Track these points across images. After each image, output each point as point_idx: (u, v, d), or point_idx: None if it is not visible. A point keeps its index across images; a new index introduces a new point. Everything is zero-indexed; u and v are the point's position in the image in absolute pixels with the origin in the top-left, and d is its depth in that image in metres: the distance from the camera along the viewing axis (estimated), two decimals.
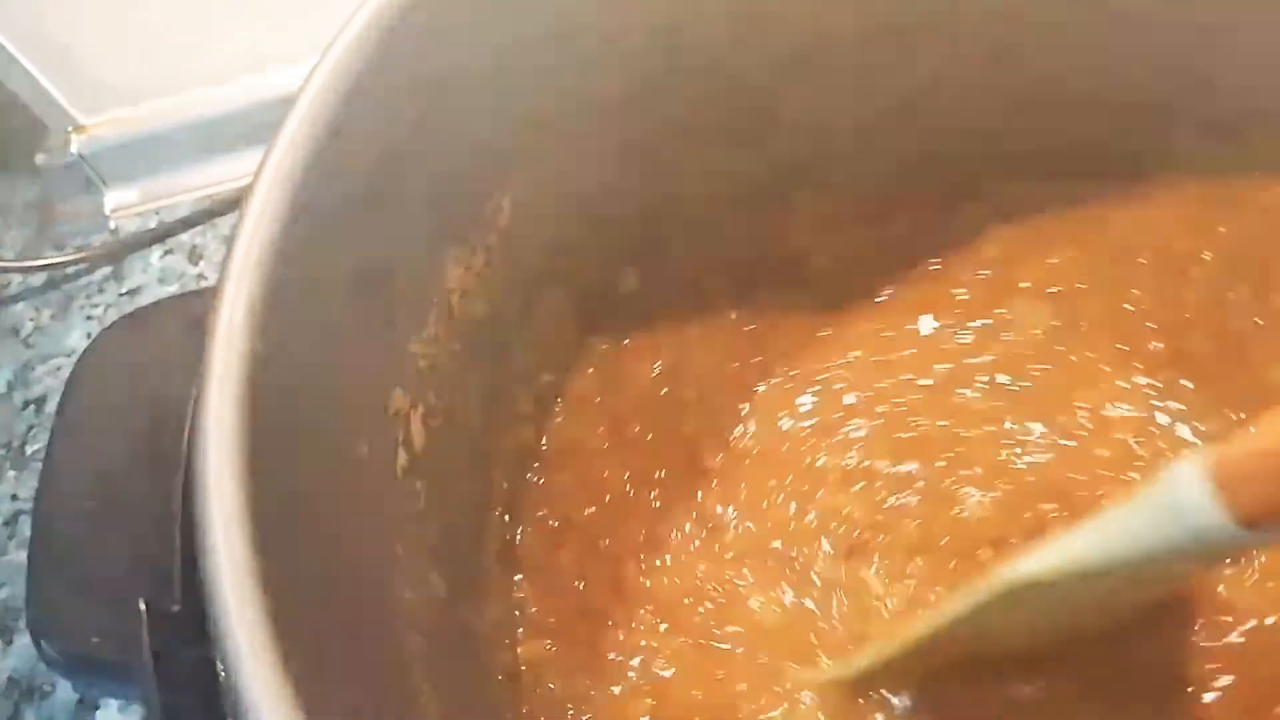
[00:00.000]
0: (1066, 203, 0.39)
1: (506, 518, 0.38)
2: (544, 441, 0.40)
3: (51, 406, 0.68)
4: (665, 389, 0.39)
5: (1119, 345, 0.37)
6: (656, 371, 0.39)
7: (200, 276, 0.69)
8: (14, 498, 0.69)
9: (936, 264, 0.40)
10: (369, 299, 0.32)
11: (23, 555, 0.64)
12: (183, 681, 0.27)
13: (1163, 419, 0.36)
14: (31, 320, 0.72)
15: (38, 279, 0.73)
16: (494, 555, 0.37)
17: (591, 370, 0.40)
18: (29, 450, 0.69)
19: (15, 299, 0.74)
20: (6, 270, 0.73)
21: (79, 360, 0.33)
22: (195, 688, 0.27)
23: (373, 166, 0.31)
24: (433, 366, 0.35)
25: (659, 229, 0.40)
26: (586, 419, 0.40)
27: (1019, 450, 0.36)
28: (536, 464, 0.39)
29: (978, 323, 0.39)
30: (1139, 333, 0.38)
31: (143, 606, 0.26)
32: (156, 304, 0.35)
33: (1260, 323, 0.36)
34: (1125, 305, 0.38)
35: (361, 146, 0.30)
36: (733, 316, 0.41)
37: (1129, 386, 0.37)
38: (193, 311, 0.33)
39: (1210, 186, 0.38)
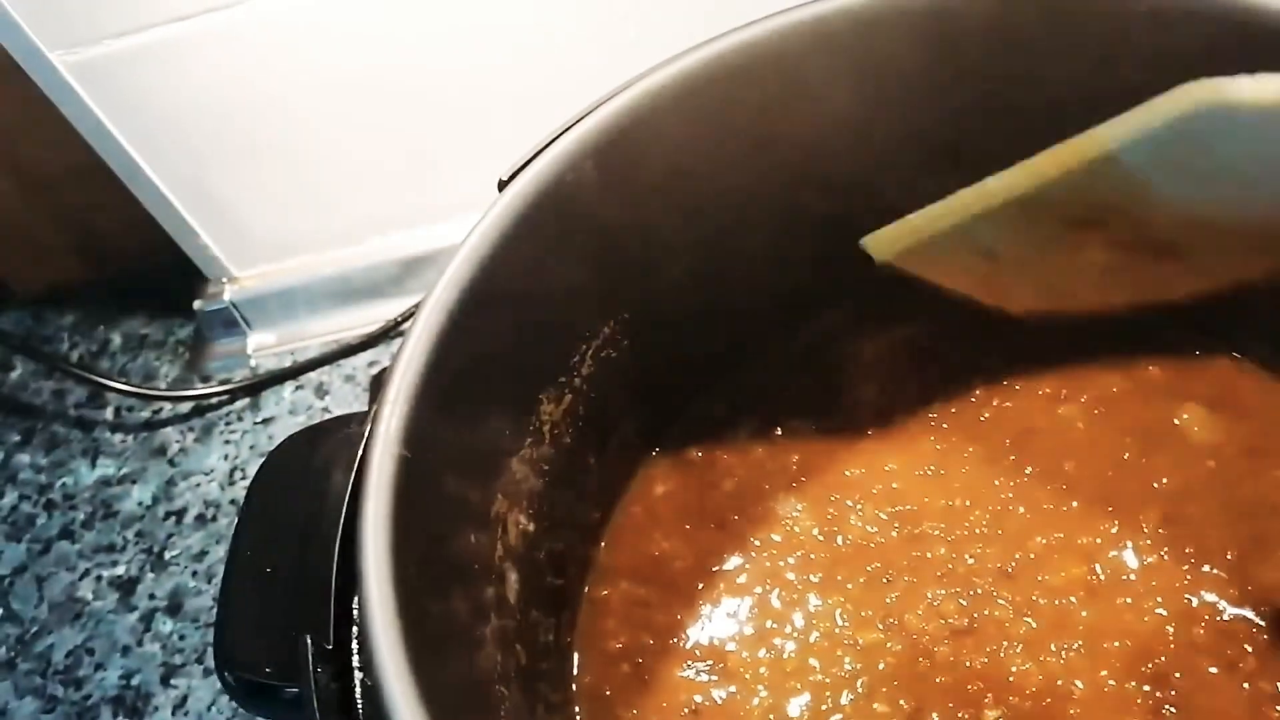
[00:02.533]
0: None
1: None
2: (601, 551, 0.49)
3: (190, 519, 0.78)
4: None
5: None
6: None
7: (325, 410, 0.80)
8: (151, 596, 0.79)
9: None
10: (482, 424, 0.42)
11: (155, 648, 0.74)
12: (333, 703, 0.36)
13: None
14: (178, 443, 0.83)
15: (185, 407, 0.84)
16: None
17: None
18: (167, 556, 0.79)
19: (165, 423, 0.85)
20: (159, 398, 0.84)
21: (265, 459, 0.43)
22: (342, 708, 0.36)
23: (493, 325, 0.41)
24: (526, 479, 0.45)
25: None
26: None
27: None
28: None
29: None
30: None
31: (308, 641, 0.36)
32: (321, 424, 0.45)
33: None
34: None
35: (487, 308, 0.40)
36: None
37: None
38: (346, 431, 0.43)
39: None
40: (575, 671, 0.46)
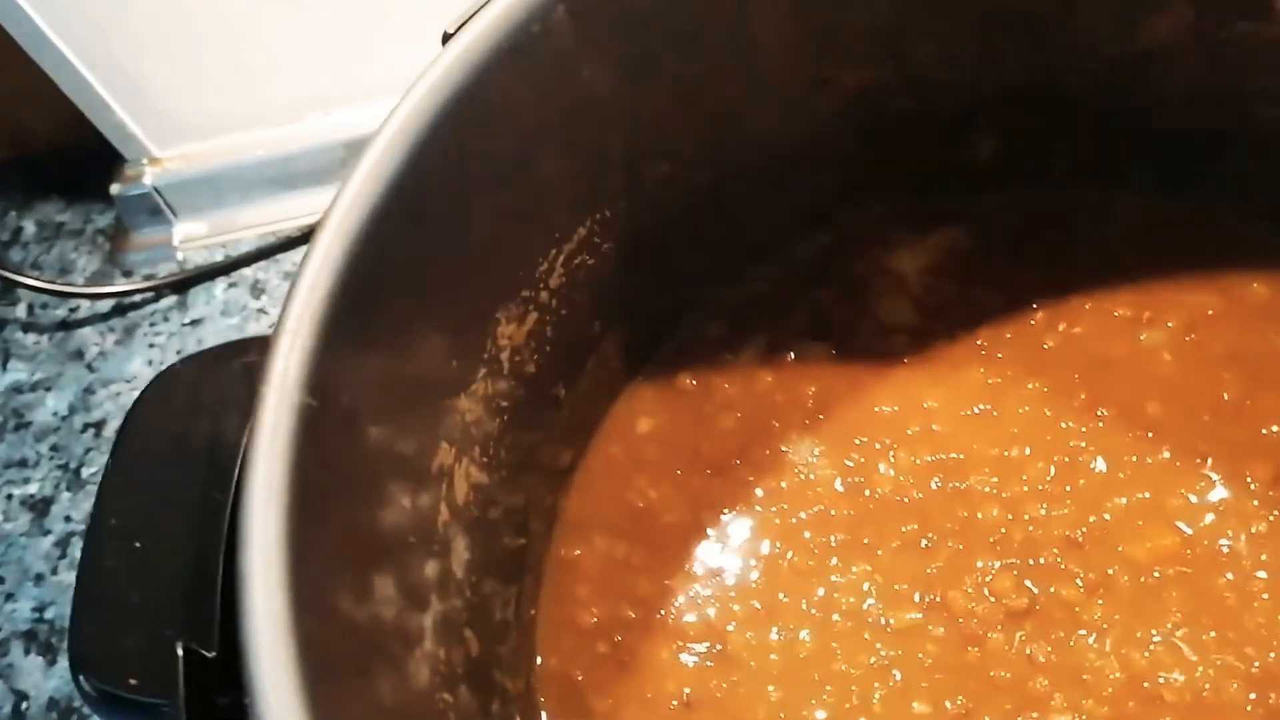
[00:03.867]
0: None
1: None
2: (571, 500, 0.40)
3: (110, 431, 0.70)
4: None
5: None
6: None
7: (262, 311, 0.71)
8: (67, 519, 0.70)
9: None
10: (419, 355, 0.32)
11: (72, 576, 0.65)
12: None
13: None
14: (96, 345, 0.74)
15: (105, 305, 0.74)
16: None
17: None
18: (84, 473, 0.71)
19: (82, 323, 0.76)
20: (76, 295, 0.75)
21: (140, 396, 0.34)
22: None
23: (431, 225, 0.31)
24: (478, 422, 0.35)
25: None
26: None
27: None
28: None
29: None
30: None
31: (180, 651, 0.27)
32: (222, 346, 0.35)
33: None
34: None
35: (422, 204, 0.31)
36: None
37: None
38: (246, 360, 0.34)
39: None
40: (539, 653, 0.37)
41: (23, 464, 0.72)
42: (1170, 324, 0.39)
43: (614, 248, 0.38)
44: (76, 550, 0.68)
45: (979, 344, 0.40)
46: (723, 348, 0.41)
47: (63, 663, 0.65)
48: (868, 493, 0.38)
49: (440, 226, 0.32)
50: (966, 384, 0.39)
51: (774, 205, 0.41)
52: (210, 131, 0.72)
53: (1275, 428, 0.36)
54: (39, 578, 0.68)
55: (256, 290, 0.72)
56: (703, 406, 0.41)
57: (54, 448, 0.72)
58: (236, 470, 0.29)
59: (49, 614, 0.66)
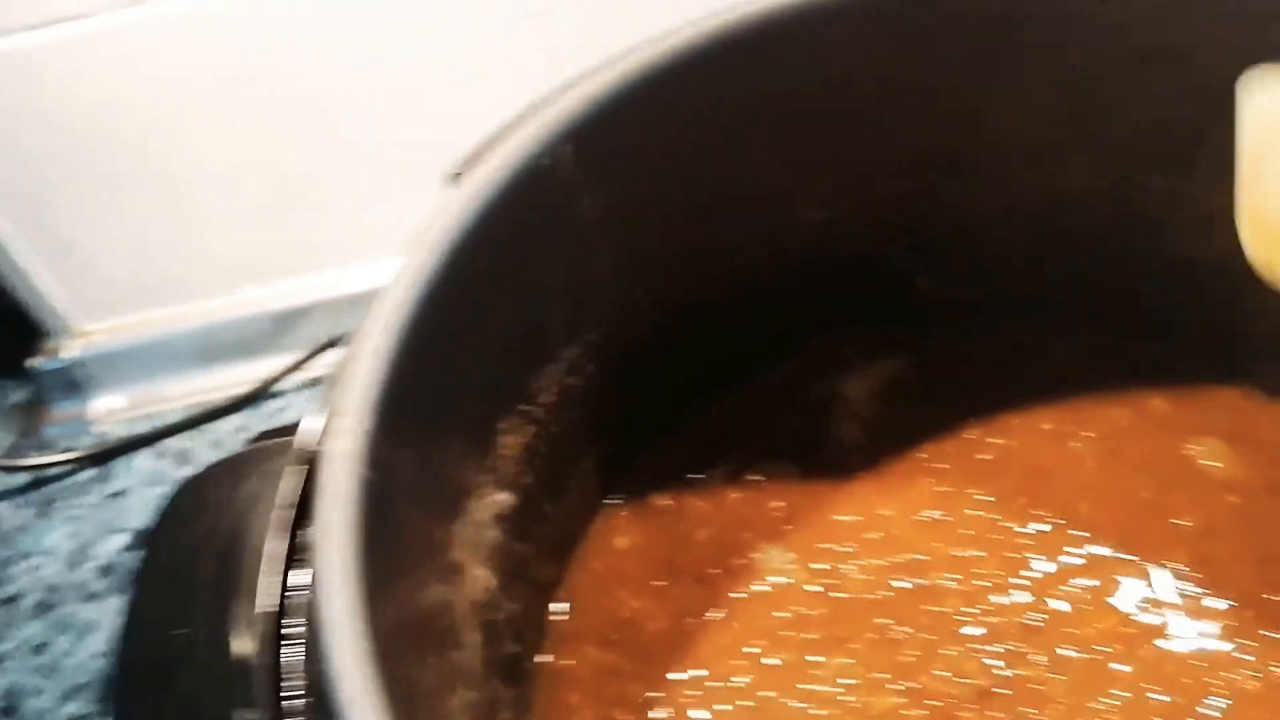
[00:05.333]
0: None
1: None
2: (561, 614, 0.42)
3: (26, 606, 0.67)
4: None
5: None
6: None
7: None
8: None
9: None
10: (443, 452, 0.35)
11: None
12: None
13: None
14: (11, 521, 0.72)
15: (20, 479, 0.73)
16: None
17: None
18: (2, 649, 0.68)
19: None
20: None
21: (168, 504, 0.35)
22: None
23: (449, 341, 0.34)
24: (484, 526, 0.37)
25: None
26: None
27: None
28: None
29: None
30: None
31: None
32: (241, 454, 0.37)
33: None
34: None
35: (444, 320, 0.33)
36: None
37: None
38: (271, 465, 0.36)
39: None
40: None
41: None
42: (1090, 435, 0.44)
43: (597, 370, 0.41)
44: None
45: (924, 458, 0.44)
46: (693, 468, 0.45)
47: None
48: (837, 594, 0.41)
49: (457, 342, 0.35)
50: (917, 494, 0.43)
51: (739, 336, 0.45)
52: (138, 302, 0.73)
53: (1185, 521, 0.41)
54: None
55: (182, 460, 0.72)
56: (677, 523, 0.44)
57: None
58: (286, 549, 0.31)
59: None
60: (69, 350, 0.74)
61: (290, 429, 0.33)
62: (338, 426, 0.30)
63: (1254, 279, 0.40)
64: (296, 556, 0.31)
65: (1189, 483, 0.42)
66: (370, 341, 0.32)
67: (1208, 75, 0.38)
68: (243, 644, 0.30)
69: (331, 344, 0.72)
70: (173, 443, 0.73)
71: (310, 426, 0.32)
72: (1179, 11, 0.37)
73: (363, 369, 0.31)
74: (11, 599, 0.68)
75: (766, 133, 0.40)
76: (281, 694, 0.28)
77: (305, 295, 0.73)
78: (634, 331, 0.42)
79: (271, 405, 0.73)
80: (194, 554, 0.33)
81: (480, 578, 0.37)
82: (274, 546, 0.31)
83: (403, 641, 0.29)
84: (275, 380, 0.72)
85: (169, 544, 0.34)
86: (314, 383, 0.72)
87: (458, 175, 0.37)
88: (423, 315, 0.33)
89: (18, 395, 0.79)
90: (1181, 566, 0.40)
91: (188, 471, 0.72)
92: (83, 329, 0.74)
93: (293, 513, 0.31)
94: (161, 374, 0.75)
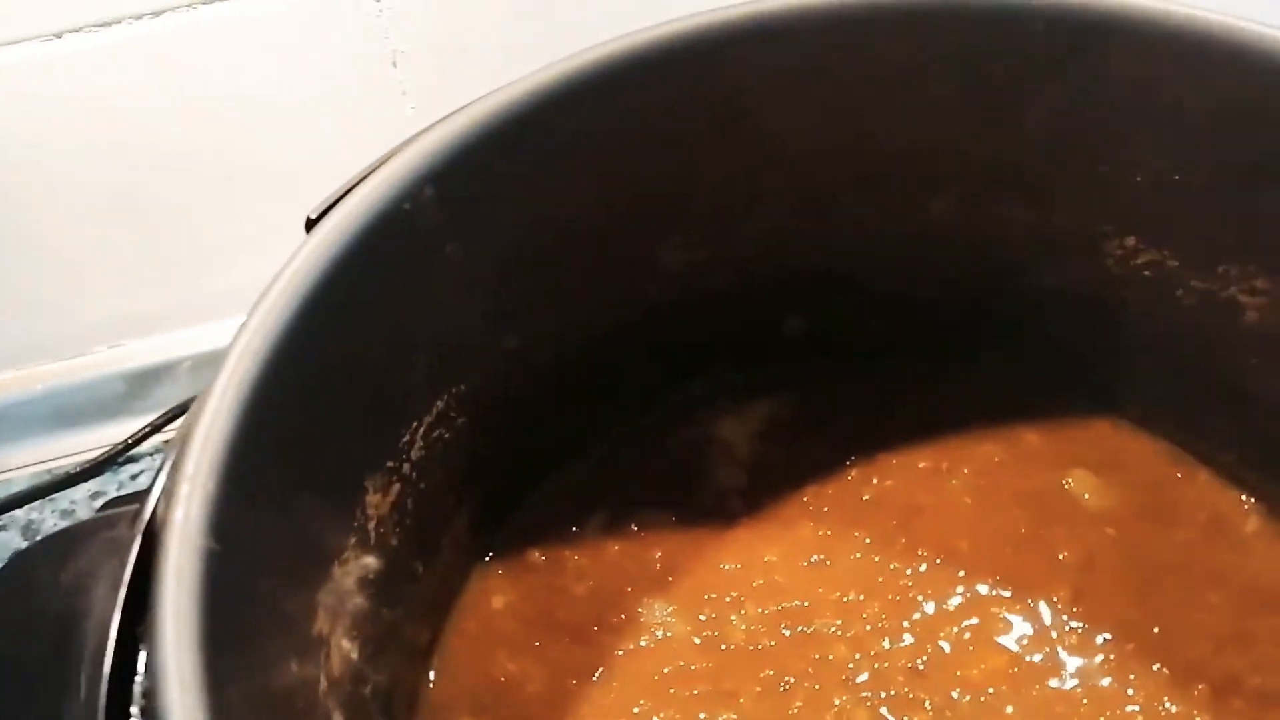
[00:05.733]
0: None
1: None
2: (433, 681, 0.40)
3: None
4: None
5: None
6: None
7: None
8: None
9: None
10: (300, 516, 0.33)
11: None
12: None
13: None
14: None
15: None
16: None
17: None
18: None
19: None
20: None
21: None
22: None
23: (303, 396, 0.32)
24: (348, 593, 0.35)
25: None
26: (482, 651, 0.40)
27: None
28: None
29: None
30: None
31: None
32: (71, 528, 0.34)
33: None
34: None
35: (297, 374, 0.31)
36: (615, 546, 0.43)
37: None
38: (109, 534, 0.33)
39: None
40: None
41: None
42: (965, 472, 0.44)
43: (467, 423, 0.40)
44: None
45: (805, 501, 0.43)
46: (567, 521, 0.43)
47: None
48: (723, 646, 0.40)
49: (312, 398, 0.33)
50: (799, 538, 0.42)
51: (608, 381, 0.44)
52: None
53: (1063, 554, 0.41)
54: None
55: (29, 532, 0.68)
56: (554, 579, 0.42)
57: None
58: (113, 631, 0.28)
59: None
60: None
61: (138, 495, 0.31)
62: (178, 492, 0.28)
63: (1116, 310, 0.41)
64: (137, 639, 0.28)
65: (1065, 515, 0.42)
66: (214, 399, 0.30)
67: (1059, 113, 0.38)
68: None
69: (189, 404, 0.68)
70: (19, 514, 0.68)
71: (158, 493, 0.30)
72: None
73: (205, 429, 0.29)
74: None
75: (624, 173, 0.39)
76: None
77: (163, 354, 0.70)
78: (504, 381, 0.40)
79: (127, 471, 0.69)
80: (20, 639, 0.30)
81: (345, 649, 0.35)
82: (111, 629, 0.29)
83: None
84: (130, 444, 0.69)
85: None
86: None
87: (315, 220, 0.35)
88: (273, 368, 0.30)
89: None
90: (1063, 601, 0.40)
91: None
92: None
93: (127, 591, 0.29)
94: (8, 440, 0.70)
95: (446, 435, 0.39)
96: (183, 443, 0.29)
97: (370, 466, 0.36)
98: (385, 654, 0.38)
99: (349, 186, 0.35)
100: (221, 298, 0.70)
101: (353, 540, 0.35)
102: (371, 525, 0.36)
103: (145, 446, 0.69)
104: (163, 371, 0.71)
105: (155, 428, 0.69)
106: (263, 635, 0.30)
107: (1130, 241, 0.40)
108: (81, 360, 0.70)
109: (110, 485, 0.69)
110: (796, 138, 0.39)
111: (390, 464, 0.37)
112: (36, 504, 0.69)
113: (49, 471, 0.69)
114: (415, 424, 0.38)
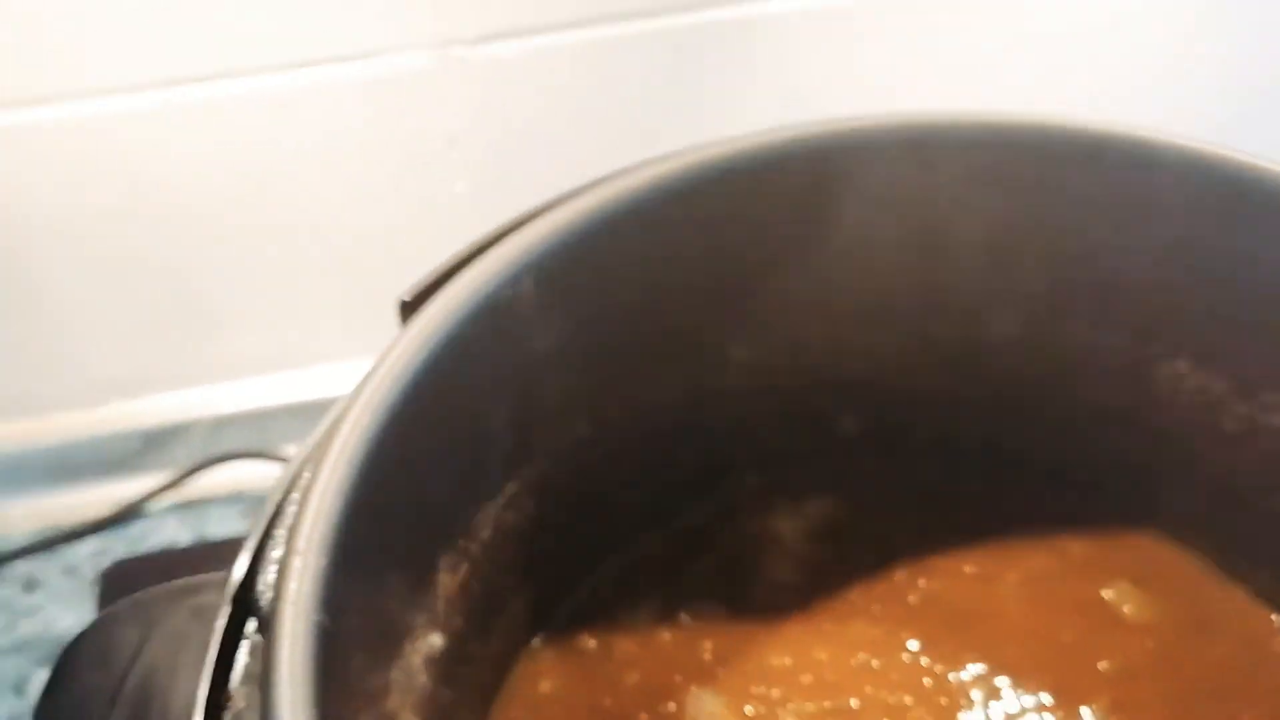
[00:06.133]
0: None
1: None
2: None
3: None
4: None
5: None
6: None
7: (39, 607, 0.65)
8: None
9: None
10: (386, 593, 0.33)
11: None
12: None
13: None
14: None
15: None
16: None
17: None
18: None
19: None
20: None
21: (61, 658, 0.32)
22: None
23: (394, 478, 0.32)
24: (416, 672, 0.35)
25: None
26: None
27: None
28: None
29: None
30: None
31: None
32: (154, 592, 0.34)
33: None
34: None
35: (391, 458, 0.32)
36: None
37: None
38: (195, 601, 0.33)
39: None
40: None
41: None
42: (1012, 578, 0.44)
43: (534, 507, 0.40)
44: None
45: (855, 599, 0.44)
46: (619, 609, 0.43)
47: None
48: None
49: (406, 477, 0.33)
50: (850, 637, 0.43)
51: (667, 471, 0.44)
52: (5, 412, 0.68)
53: (1104, 664, 0.42)
54: None
55: (30, 586, 0.67)
56: (603, 665, 0.42)
57: None
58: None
59: None
60: None
61: (155, 558, 0.30)
62: (291, 565, 0.28)
63: (1162, 427, 0.42)
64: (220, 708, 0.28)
65: (1107, 626, 0.43)
66: (326, 474, 0.30)
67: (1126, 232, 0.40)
68: None
69: (207, 464, 0.68)
70: (19, 566, 0.67)
71: (242, 564, 0.30)
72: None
73: (319, 505, 0.29)
74: None
75: (710, 271, 0.40)
76: None
77: (178, 413, 0.70)
78: (571, 468, 0.41)
79: (135, 528, 0.68)
80: (102, 703, 0.30)
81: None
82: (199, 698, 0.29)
83: None
84: (141, 502, 0.68)
85: (66, 698, 0.30)
86: (186, 505, 0.68)
87: (410, 304, 0.36)
88: (378, 446, 0.31)
89: None
90: (1102, 709, 0.41)
91: (36, 599, 0.66)
92: None
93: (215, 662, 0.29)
94: (13, 492, 0.70)
95: (513, 518, 0.39)
96: (290, 519, 0.30)
97: (445, 546, 0.36)
98: None
99: (445, 271, 0.36)
100: (240, 362, 0.70)
101: (423, 619, 0.35)
102: (440, 605, 0.36)
103: (154, 505, 0.69)
104: (177, 430, 0.70)
105: (169, 486, 0.68)
106: (355, 708, 0.30)
107: (1181, 366, 0.42)
108: (95, 414, 0.70)
109: (115, 542, 0.69)
110: (872, 252, 0.40)
111: (462, 544, 0.37)
112: (37, 558, 0.68)
113: (53, 527, 0.69)
114: (488, 505, 0.38)
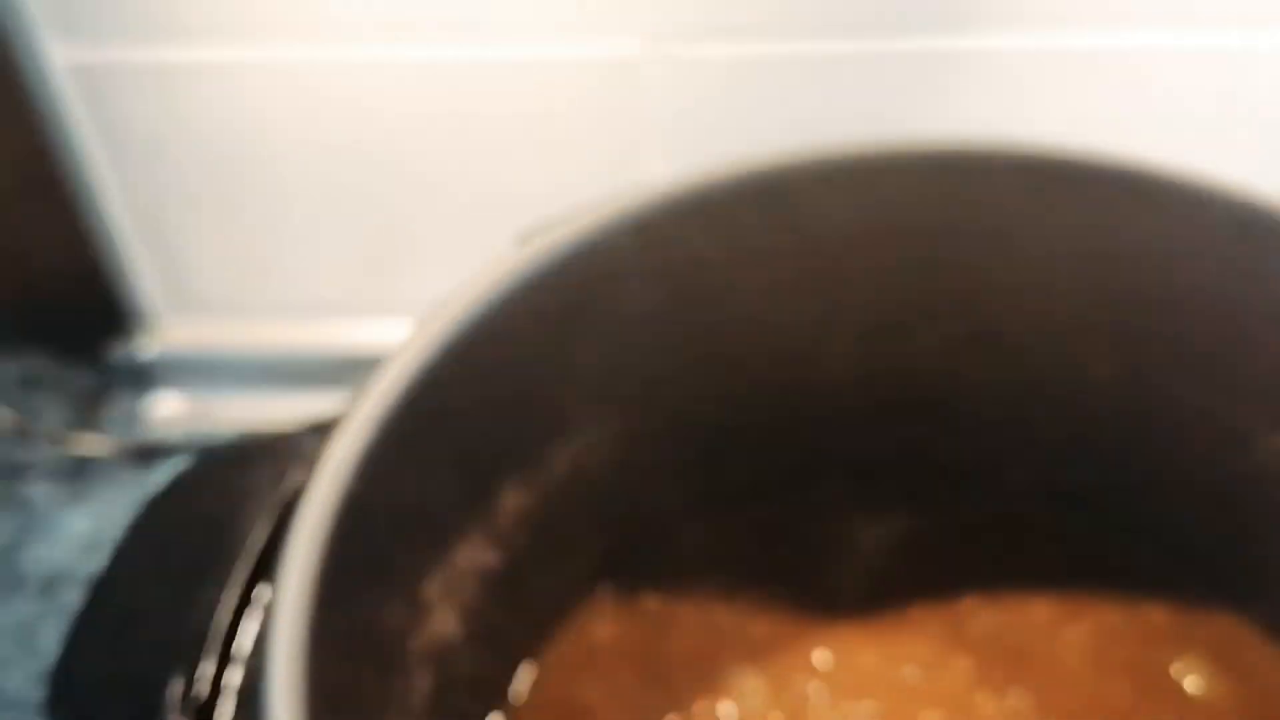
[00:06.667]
0: None
1: None
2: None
3: (29, 586, 0.68)
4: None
5: None
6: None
7: None
8: None
9: None
10: (440, 486, 0.36)
11: None
12: None
13: None
14: (45, 495, 0.75)
15: (63, 459, 0.76)
16: None
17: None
18: None
19: (34, 471, 0.77)
20: (37, 441, 0.76)
21: (166, 485, 0.37)
22: None
23: (477, 378, 0.36)
24: (467, 574, 0.38)
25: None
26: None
27: None
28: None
29: None
30: None
31: (179, 680, 0.29)
32: (247, 447, 0.39)
33: None
34: None
35: (479, 356, 0.35)
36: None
37: None
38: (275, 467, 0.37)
39: None
40: None
41: None
42: (1080, 629, 0.44)
43: (612, 459, 0.42)
44: None
45: (914, 615, 0.44)
46: (687, 578, 0.45)
47: None
48: None
49: (483, 382, 0.36)
50: (900, 648, 0.43)
51: (761, 459, 0.46)
52: (220, 315, 0.76)
53: None
54: None
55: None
56: (660, 627, 0.44)
57: None
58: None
59: None
60: (145, 347, 0.77)
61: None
62: (342, 431, 0.32)
63: (1257, 508, 0.41)
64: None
65: (1167, 696, 0.42)
66: (395, 364, 0.34)
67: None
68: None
69: None
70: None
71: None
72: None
73: (386, 379, 0.33)
74: (18, 578, 0.70)
75: (817, 267, 0.41)
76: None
77: (377, 342, 0.76)
78: (659, 432, 0.43)
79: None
80: (182, 531, 0.35)
81: (448, 623, 0.38)
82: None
83: (349, 644, 0.30)
84: (325, 425, 0.74)
85: (153, 524, 0.35)
86: None
87: (525, 239, 0.39)
88: (466, 338, 0.34)
89: (87, 380, 0.82)
90: None
91: None
92: (162, 330, 0.78)
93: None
94: (222, 389, 0.77)
95: (591, 464, 0.42)
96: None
97: (512, 468, 0.39)
98: (485, 648, 0.41)
99: (567, 214, 0.39)
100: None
101: (481, 525, 0.38)
102: (500, 523, 0.39)
103: None
104: (371, 361, 0.76)
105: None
106: (379, 571, 0.33)
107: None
108: (304, 330, 0.76)
109: None
110: (994, 273, 0.41)
111: (532, 470, 0.40)
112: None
113: (252, 426, 0.76)
114: (562, 443, 0.41)
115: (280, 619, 0.28)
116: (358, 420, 0.32)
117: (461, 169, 0.69)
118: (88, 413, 0.80)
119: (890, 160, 0.40)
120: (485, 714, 0.41)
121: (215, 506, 0.35)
